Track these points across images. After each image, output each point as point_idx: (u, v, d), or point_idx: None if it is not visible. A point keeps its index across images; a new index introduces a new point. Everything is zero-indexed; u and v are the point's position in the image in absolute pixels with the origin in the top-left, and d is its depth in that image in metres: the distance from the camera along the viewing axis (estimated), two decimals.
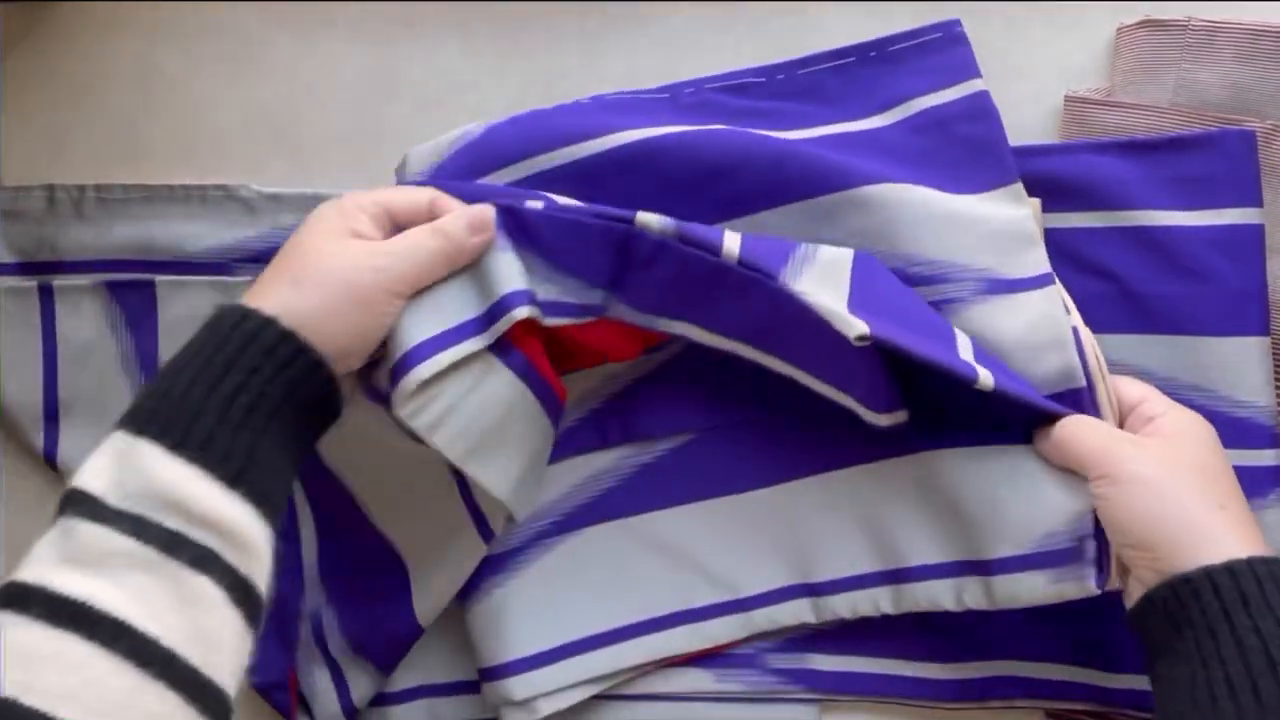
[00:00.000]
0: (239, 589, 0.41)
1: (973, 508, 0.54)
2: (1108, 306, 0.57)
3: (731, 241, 0.52)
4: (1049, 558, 0.52)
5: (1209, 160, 0.56)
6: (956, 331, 0.54)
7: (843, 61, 0.60)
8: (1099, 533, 0.51)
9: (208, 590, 0.40)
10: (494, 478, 0.54)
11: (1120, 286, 0.58)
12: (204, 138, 0.67)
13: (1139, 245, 0.57)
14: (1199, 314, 0.56)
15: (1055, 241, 0.58)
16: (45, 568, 0.39)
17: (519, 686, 0.58)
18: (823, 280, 0.53)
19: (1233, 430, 0.56)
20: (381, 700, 0.62)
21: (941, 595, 0.56)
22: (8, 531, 0.66)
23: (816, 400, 0.58)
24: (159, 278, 0.63)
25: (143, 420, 0.41)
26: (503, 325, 0.51)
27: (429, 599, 0.59)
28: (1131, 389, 0.53)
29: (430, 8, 0.66)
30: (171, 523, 0.40)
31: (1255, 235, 0.56)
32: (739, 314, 0.54)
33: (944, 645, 0.59)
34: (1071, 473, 0.51)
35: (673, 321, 0.55)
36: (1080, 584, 0.52)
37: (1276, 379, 0.56)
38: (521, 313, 0.51)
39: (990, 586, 0.54)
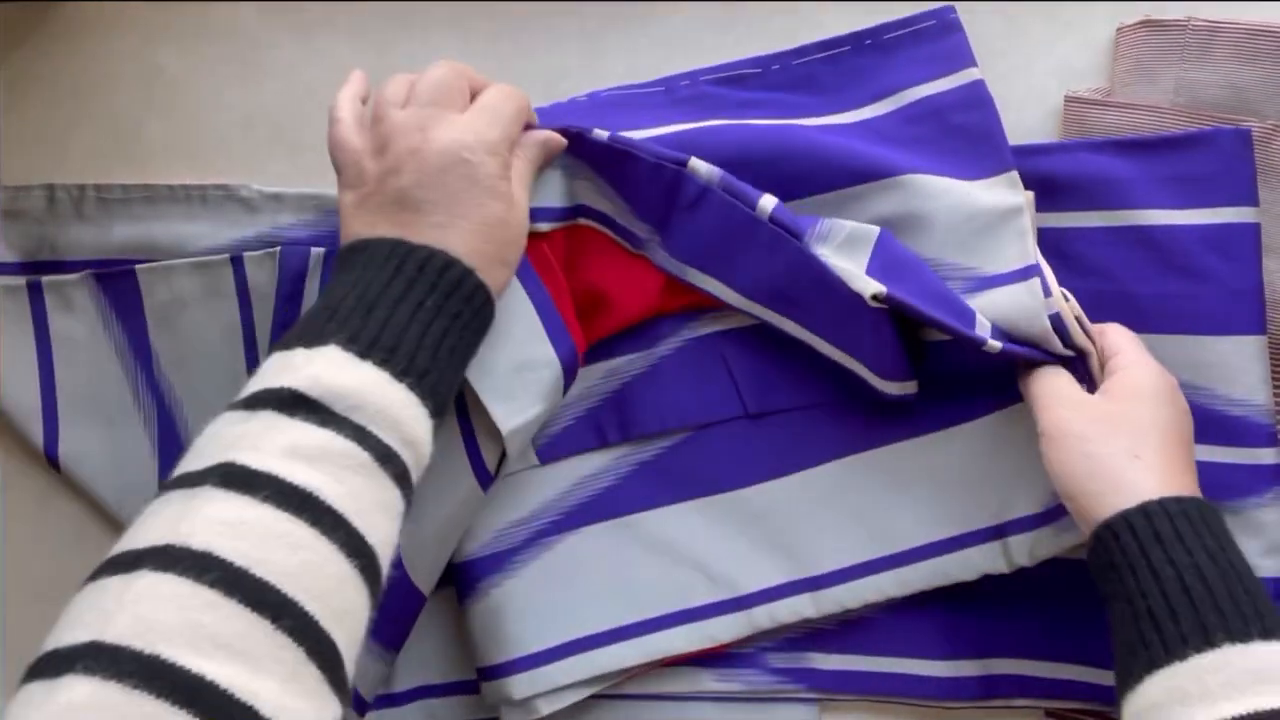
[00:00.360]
0: (410, 504, 0.46)
1: (985, 477, 0.57)
2: (1105, 305, 0.57)
3: (767, 201, 0.55)
4: (1059, 511, 0.56)
5: (1205, 159, 0.56)
6: (975, 310, 0.54)
7: (838, 51, 0.60)
8: None
9: (399, 503, 0.45)
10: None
11: (1117, 286, 0.58)
12: (205, 138, 0.67)
13: (1136, 244, 0.57)
14: (1196, 313, 0.56)
15: (1052, 241, 0.58)
16: (268, 457, 0.41)
17: (518, 686, 0.58)
18: (844, 249, 0.55)
19: (1229, 429, 0.56)
20: (380, 702, 0.61)
21: (954, 568, 0.57)
22: (8, 532, 0.66)
23: (811, 394, 0.58)
24: (139, 265, 0.63)
25: (366, 344, 0.45)
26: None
27: (419, 543, 0.57)
28: (1111, 339, 0.55)
29: (430, 8, 0.66)
30: (388, 438, 0.44)
31: (1251, 234, 0.56)
32: (762, 272, 0.56)
33: (944, 643, 0.59)
34: None
35: (701, 275, 0.57)
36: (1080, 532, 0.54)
37: (1273, 377, 0.57)
38: (541, 227, 0.56)
39: (1008, 548, 0.56)
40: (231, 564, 0.38)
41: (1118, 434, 0.50)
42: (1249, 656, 0.42)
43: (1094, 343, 0.54)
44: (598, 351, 0.60)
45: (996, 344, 0.53)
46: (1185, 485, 0.49)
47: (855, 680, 0.60)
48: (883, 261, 0.54)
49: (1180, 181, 0.57)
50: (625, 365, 0.60)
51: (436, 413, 0.47)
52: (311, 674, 0.38)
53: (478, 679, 0.60)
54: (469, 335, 0.49)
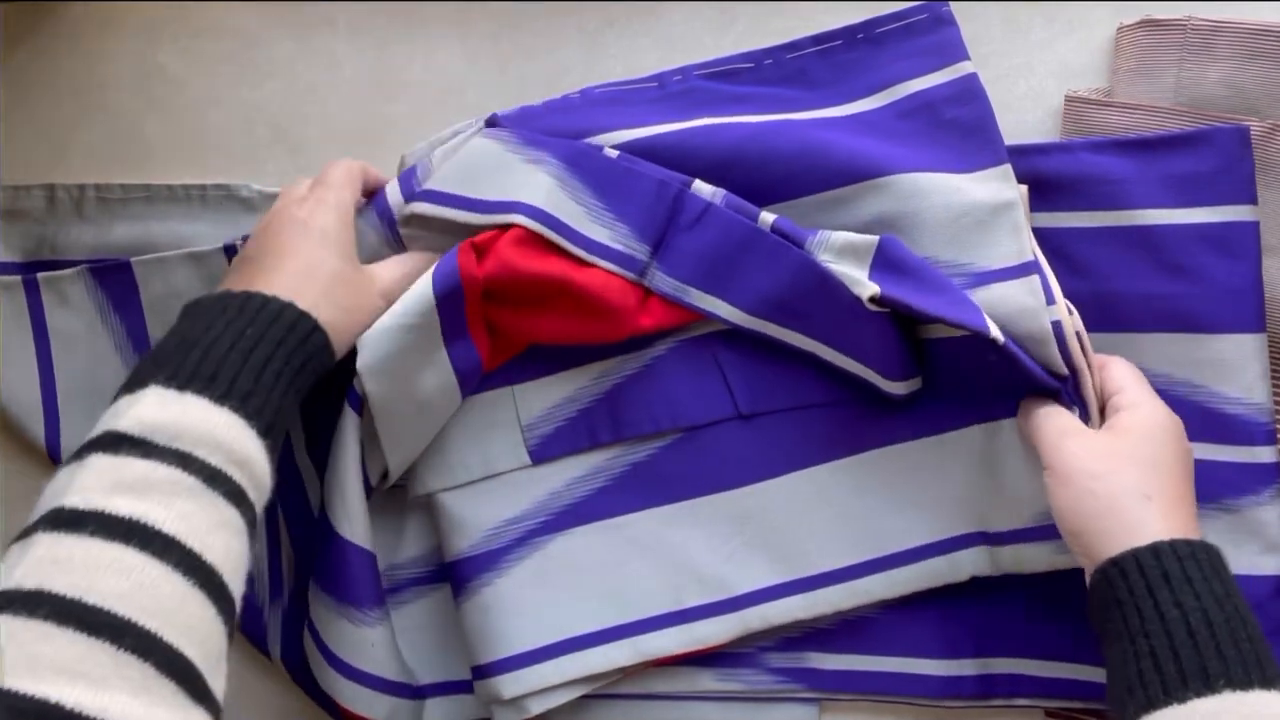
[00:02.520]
0: (253, 522, 0.47)
1: (970, 487, 0.56)
2: (1105, 305, 0.57)
3: (768, 214, 0.57)
4: (1048, 531, 0.55)
5: (1204, 158, 0.56)
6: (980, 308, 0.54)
7: (830, 45, 0.60)
8: None
9: (236, 520, 0.45)
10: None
11: (1117, 285, 0.57)
12: (204, 137, 0.67)
13: (1135, 244, 0.57)
14: (1195, 311, 0.56)
15: (1051, 240, 0.58)
16: (94, 495, 0.42)
17: (508, 685, 0.58)
18: (845, 255, 0.55)
19: (1228, 427, 0.56)
20: (404, 690, 0.61)
21: (944, 570, 0.57)
22: (7, 531, 0.66)
23: (803, 396, 0.58)
24: (135, 258, 0.64)
25: (185, 378, 0.46)
26: (497, 218, 0.57)
27: (339, 494, 0.58)
28: (1114, 374, 0.55)
29: (430, 8, 0.66)
30: (214, 459, 0.45)
31: (1249, 232, 0.56)
32: (765, 285, 0.57)
33: (944, 643, 0.59)
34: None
35: (703, 294, 0.57)
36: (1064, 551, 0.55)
37: (1273, 376, 0.57)
38: (518, 219, 0.56)
39: (996, 555, 0.57)
40: (62, 596, 0.39)
41: (1127, 473, 0.49)
42: (1246, 704, 0.42)
43: (1090, 367, 0.54)
44: (590, 353, 0.60)
45: (999, 334, 0.52)
46: (1191, 527, 0.49)
47: (855, 680, 0.60)
48: (884, 265, 0.55)
49: (1179, 180, 0.56)
50: (618, 366, 0.60)
51: (266, 432, 0.48)
52: (165, 686, 0.39)
53: (472, 678, 0.60)
54: (296, 359, 0.50)
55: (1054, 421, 0.52)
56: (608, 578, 0.60)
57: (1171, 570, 0.46)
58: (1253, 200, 0.56)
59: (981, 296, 0.54)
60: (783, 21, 0.63)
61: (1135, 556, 0.47)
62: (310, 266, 0.53)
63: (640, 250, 0.57)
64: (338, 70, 0.66)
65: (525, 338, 0.60)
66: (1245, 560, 0.55)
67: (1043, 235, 0.58)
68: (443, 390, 0.59)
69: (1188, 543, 0.47)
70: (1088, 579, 0.49)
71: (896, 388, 0.57)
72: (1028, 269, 0.54)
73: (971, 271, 0.55)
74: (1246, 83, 0.58)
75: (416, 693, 0.61)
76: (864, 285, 0.53)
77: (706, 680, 0.60)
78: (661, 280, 0.57)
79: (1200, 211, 0.56)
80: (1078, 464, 0.50)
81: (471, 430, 0.60)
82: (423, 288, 0.56)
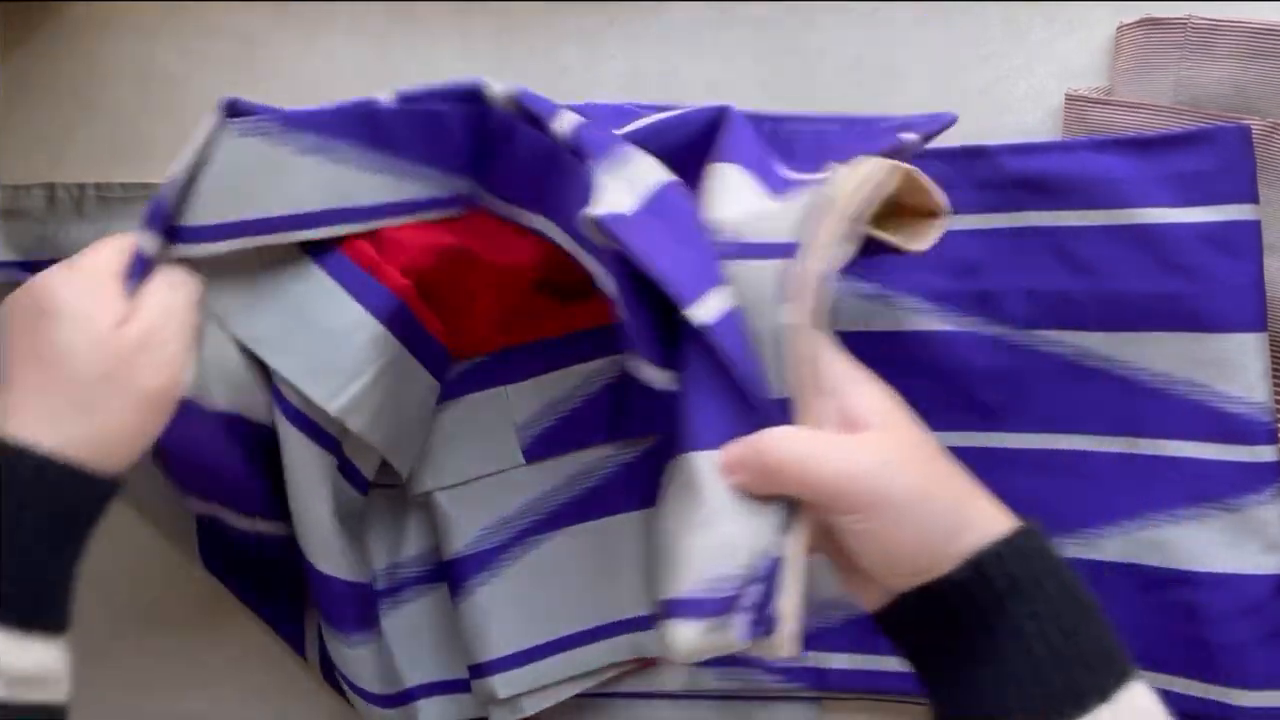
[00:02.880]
0: (63, 706, 0.42)
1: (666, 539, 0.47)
2: (1103, 303, 0.57)
3: (567, 120, 0.49)
4: (708, 605, 0.42)
5: (1205, 156, 0.56)
6: (720, 289, 0.44)
7: (824, 128, 0.58)
8: (769, 575, 0.43)
9: None
10: (300, 375, 0.52)
11: (1117, 284, 0.57)
12: None
13: (1136, 242, 0.57)
14: (1195, 310, 0.56)
15: (1051, 239, 0.58)
16: None
17: (502, 684, 0.58)
18: (622, 178, 0.47)
19: (1229, 426, 0.56)
20: (387, 701, 0.61)
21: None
22: None
23: None
24: None
25: None
26: (290, 237, 0.52)
27: (311, 532, 0.55)
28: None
29: (430, 7, 0.66)
30: None
31: (1251, 231, 0.56)
32: (573, 206, 0.47)
33: None
34: (755, 501, 0.43)
35: (534, 216, 0.53)
36: (726, 635, 0.42)
37: (1273, 375, 0.57)
38: (314, 234, 0.52)
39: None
40: None
41: (949, 472, 0.42)
42: (1119, 714, 0.38)
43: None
44: (584, 354, 0.60)
45: (698, 317, 0.43)
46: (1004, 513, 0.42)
47: (856, 679, 0.60)
48: (659, 204, 0.46)
49: (1180, 179, 0.56)
50: (610, 367, 0.60)
51: (56, 623, 0.42)
52: None
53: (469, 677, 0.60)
54: (69, 527, 0.43)
55: (828, 448, 0.41)
56: (601, 576, 0.60)
57: (1018, 573, 0.39)
58: (1254, 199, 0.56)
59: (734, 271, 0.45)
60: (783, 21, 0.63)
61: (977, 566, 0.40)
62: (68, 379, 0.43)
63: (462, 185, 0.54)
64: (338, 70, 0.66)
65: (483, 324, 0.59)
66: (1246, 560, 0.55)
67: (1043, 234, 0.57)
68: (428, 391, 0.58)
69: (1023, 533, 0.41)
70: (880, 598, 0.44)
71: (644, 371, 0.47)
72: (789, 250, 0.44)
73: (734, 241, 0.46)
74: (1247, 82, 0.58)
75: (408, 699, 0.61)
76: (593, 205, 0.45)
77: (706, 679, 0.60)
78: (494, 204, 0.54)
79: (1201, 210, 0.56)
80: (898, 489, 0.40)
81: (466, 430, 0.60)
82: (371, 330, 0.53)
